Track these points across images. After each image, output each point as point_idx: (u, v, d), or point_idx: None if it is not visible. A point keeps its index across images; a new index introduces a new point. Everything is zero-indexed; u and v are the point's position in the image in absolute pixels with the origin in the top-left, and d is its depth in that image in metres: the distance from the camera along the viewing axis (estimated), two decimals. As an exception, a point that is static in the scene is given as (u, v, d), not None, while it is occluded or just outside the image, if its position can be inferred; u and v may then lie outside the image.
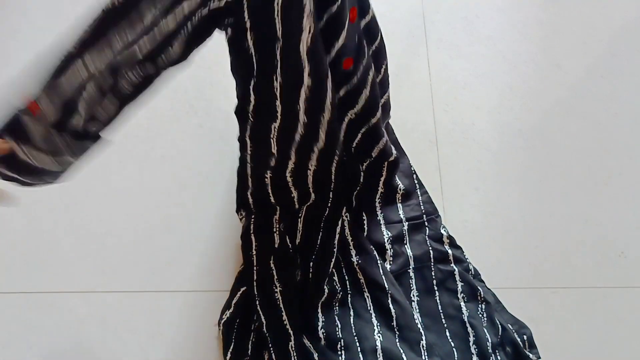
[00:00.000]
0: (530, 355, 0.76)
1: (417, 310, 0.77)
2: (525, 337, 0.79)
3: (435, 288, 0.79)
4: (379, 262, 0.79)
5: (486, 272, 0.84)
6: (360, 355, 0.70)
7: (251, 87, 0.59)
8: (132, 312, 0.83)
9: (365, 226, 0.83)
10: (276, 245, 0.79)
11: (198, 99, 1.00)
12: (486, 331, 0.75)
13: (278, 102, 0.59)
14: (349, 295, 0.78)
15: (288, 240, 0.80)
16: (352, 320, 0.75)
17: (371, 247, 0.80)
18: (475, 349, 0.73)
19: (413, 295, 0.78)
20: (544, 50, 1.10)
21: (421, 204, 0.88)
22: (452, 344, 0.74)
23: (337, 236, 0.79)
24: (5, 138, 0.48)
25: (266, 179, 0.74)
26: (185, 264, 0.86)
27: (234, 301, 0.79)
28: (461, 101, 1.03)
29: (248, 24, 0.51)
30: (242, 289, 0.80)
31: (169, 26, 0.48)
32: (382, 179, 0.85)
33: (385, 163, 0.83)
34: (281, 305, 0.75)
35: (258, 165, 0.72)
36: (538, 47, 1.10)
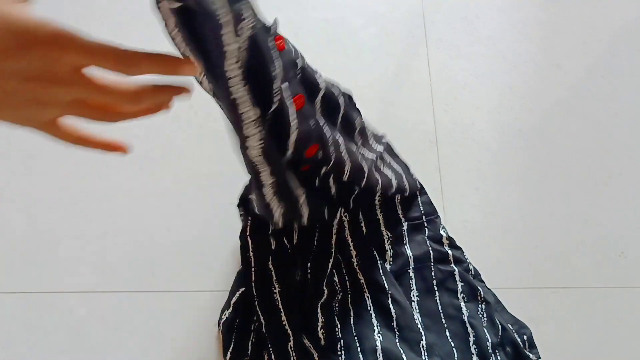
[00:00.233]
0: (530, 355, 0.76)
1: (417, 310, 0.77)
2: (525, 337, 0.79)
3: (435, 288, 0.79)
4: (378, 262, 0.79)
5: (486, 272, 0.84)
6: (361, 356, 0.70)
7: None
8: (132, 312, 0.83)
9: (364, 227, 0.83)
10: (273, 247, 0.79)
11: (198, 99, 1.00)
12: (486, 331, 0.75)
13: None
14: (349, 296, 0.78)
15: (286, 241, 0.80)
16: (352, 320, 0.75)
17: (371, 247, 0.80)
18: (475, 349, 0.73)
19: (413, 296, 0.78)
20: (544, 50, 1.10)
21: (420, 204, 0.88)
22: (452, 344, 0.74)
23: (335, 237, 0.79)
24: None
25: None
26: (185, 264, 0.86)
27: (232, 301, 0.79)
28: (461, 101, 1.03)
29: None
30: (241, 290, 0.80)
31: None
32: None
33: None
34: (280, 306, 0.75)
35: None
36: (538, 47, 1.10)
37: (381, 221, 0.84)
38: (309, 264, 0.78)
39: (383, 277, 0.78)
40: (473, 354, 0.73)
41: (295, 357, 0.71)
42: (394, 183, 0.82)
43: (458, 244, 0.86)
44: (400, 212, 0.86)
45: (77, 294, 0.85)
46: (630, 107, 1.04)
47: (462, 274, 0.80)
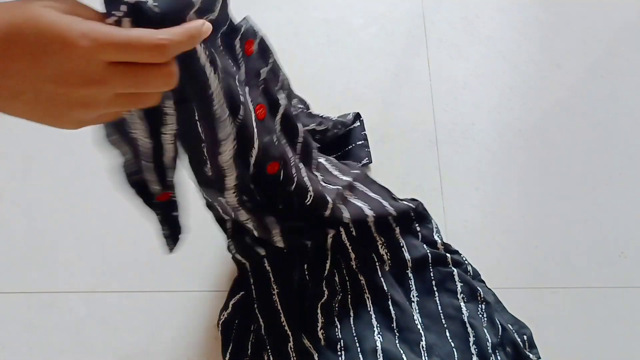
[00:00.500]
0: (530, 355, 0.76)
1: (417, 311, 0.77)
2: (525, 337, 0.79)
3: (435, 289, 0.79)
4: (377, 264, 0.79)
5: (486, 272, 0.84)
6: (360, 356, 0.70)
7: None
8: (132, 312, 0.83)
9: (356, 235, 0.81)
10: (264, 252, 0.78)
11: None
12: (486, 331, 0.75)
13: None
14: (349, 296, 0.78)
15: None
16: (351, 321, 0.75)
17: (369, 250, 0.80)
18: (475, 349, 0.73)
19: (413, 296, 0.78)
20: (544, 50, 1.10)
21: (412, 214, 0.87)
22: (452, 344, 0.74)
23: (330, 239, 0.78)
24: None
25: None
26: (185, 264, 0.86)
27: (231, 302, 0.79)
28: (461, 101, 1.03)
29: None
30: (241, 293, 0.79)
31: None
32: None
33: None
34: (279, 307, 0.74)
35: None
36: (538, 47, 1.10)
37: (373, 228, 0.82)
38: (305, 265, 0.78)
39: (382, 278, 0.78)
40: (473, 354, 0.73)
41: (295, 358, 0.71)
42: (369, 212, 0.79)
43: (458, 244, 0.86)
44: (391, 220, 0.84)
45: (77, 294, 0.85)
46: (630, 107, 1.04)
47: (461, 275, 0.80)
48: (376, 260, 0.79)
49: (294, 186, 0.63)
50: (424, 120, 1.01)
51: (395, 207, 0.83)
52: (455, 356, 0.73)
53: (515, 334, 0.78)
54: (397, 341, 0.72)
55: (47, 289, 0.85)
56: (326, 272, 0.78)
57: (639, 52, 1.10)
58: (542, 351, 0.79)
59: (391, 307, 0.75)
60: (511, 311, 0.82)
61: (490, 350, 0.73)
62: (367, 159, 0.95)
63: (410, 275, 0.79)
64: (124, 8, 0.31)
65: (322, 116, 0.94)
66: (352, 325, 0.74)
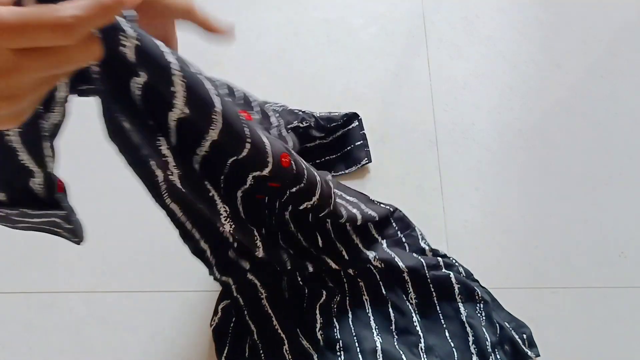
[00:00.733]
0: (529, 352, 0.76)
1: (416, 313, 0.77)
2: (525, 335, 0.79)
3: (432, 290, 0.79)
4: (374, 270, 0.78)
5: (486, 272, 0.84)
6: (360, 356, 0.70)
7: None
8: (132, 312, 0.83)
9: (345, 254, 0.79)
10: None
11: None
12: (485, 330, 0.75)
13: None
14: (348, 298, 0.78)
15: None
16: (350, 321, 0.75)
17: (365, 256, 0.79)
18: (474, 348, 0.74)
19: (411, 299, 0.78)
20: (544, 50, 1.10)
21: (393, 222, 0.86)
22: (452, 344, 0.74)
23: (321, 241, 0.78)
24: None
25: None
26: (185, 264, 0.86)
27: (220, 306, 0.78)
28: (461, 101, 1.03)
29: None
30: (228, 301, 0.78)
31: None
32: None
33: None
34: (270, 312, 0.74)
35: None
36: (538, 47, 1.10)
37: (359, 245, 0.81)
38: (297, 272, 0.77)
39: (380, 282, 0.78)
40: (473, 353, 0.73)
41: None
42: (359, 215, 0.79)
43: (458, 244, 0.86)
44: (374, 231, 0.84)
45: (77, 294, 0.85)
46: (630, 107, 1.04)
47: (457, 276, 0.80)
48: (373, 268, 0.79)
49: (304, 181, 0.61)
50: (424, 120, 1.01)
51: (375, 211, 0.83)
52: (455, 356, 0.73)
53: (513, 332, 0.78)
54: (395, 343, 0.72)
55: (47, 289, 0.85)
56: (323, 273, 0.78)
57: (639, 52, 1.10)
58: (542, 351, 0.79)
59: (390, 310, 0.75)
60: (511, 311, 0.82)
61: (489, 349, 0.73)
62: (366, 159, 0.95)
63: (407, 278, 0.79)
64: None
65: (303, 112, 0.94)
66: (351, 326, 0.74)
